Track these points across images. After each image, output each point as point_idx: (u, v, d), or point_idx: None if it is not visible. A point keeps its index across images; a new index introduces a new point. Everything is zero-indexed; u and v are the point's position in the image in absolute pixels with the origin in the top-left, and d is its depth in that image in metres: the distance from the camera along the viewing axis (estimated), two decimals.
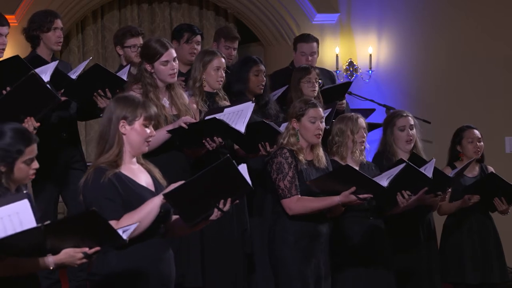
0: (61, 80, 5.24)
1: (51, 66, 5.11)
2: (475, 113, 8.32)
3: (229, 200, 3.81)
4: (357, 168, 5.22)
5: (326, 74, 7.03)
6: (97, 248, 3.40)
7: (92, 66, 5.36)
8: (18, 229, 3.15)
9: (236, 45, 6.81)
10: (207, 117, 5.09)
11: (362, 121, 5.33)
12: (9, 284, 3.41)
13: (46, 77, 4.99)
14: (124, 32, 6.12)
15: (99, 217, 3.33)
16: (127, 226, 3.54)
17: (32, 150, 3.51)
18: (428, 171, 5.12)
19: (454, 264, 5.94)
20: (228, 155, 3.81)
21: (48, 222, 3.24)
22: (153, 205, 3.73)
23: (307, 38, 6.94)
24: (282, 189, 4.90)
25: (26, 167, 3.49)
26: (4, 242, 3.13)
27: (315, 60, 6.88)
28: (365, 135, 5.33)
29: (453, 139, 6.11)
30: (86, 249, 3.37)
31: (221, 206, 3.81)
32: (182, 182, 3.74)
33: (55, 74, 5.18)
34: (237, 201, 3.91)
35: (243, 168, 3.83)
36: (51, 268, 3.39)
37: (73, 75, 5.29)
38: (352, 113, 5.43)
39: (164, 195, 3.71)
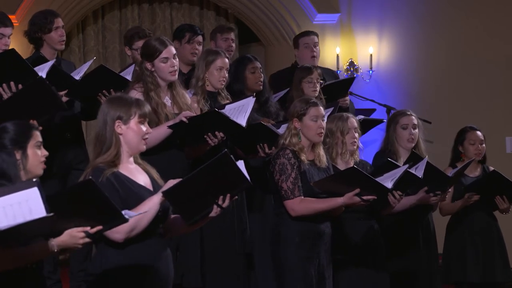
0: (64, 81, 5.24)
1: (48, 64, 5.10)
2: (475, 113, 8.33)
3: (228, 196, 3.81)
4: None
5: (330, 74, 7.06)
6: (99, 227, 3.42)
7: (98, 67, 5.35)
8: (28, 217, 3.16)
9: (233, 36, 6.82)
10: (207, 111, 5.10)
11: (353, 121, 5.27)
12: (17, 284, 3.43)
13: (42, 74, 4.99)
14: (132, 34, 6.12)
15: (96, 187, 3.35)
16: (132, 211, 3.56)
17: (37, 134, 3.60)
18: (419, 170, 5.11)
19: (456, 264, 5.94)
20: (226, 150, 3.79)
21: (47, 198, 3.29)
22: (152, 204, 3.73)
23: (307, 32, 7.07)
24: (285, 190, 4.89)
25: (37, 151, 3.57)
26: (15, 230, 3.13)
27: (319, 52, 6.91)
28: (356, 135, 5.26)
29: (456, 139, 6.11)
30: (88, 228, 3.39)
31: (220, 202, 3.81)
32: (181, 179, 3.73)
33: (59, 74, 5.18)
34: (236, 197, 3.90)
35: (240, 164, 3.82)
36: (55, 251, 3.40)
37: (77, 76, 5.28)
38: (343, 113, 5.38)
39: (163, 192, 3.71)
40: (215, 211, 3.83)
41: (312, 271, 4.90)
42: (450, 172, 5.57)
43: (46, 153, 3.62)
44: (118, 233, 3.68)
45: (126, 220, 3.46)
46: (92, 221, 3.41)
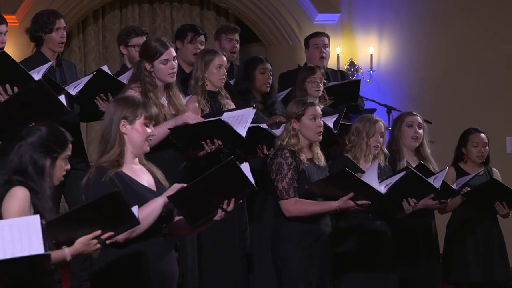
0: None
1: (45, 66, 5.08)
2: (476, 113, 8.32)
3: (232, 200, 3.82)
4: (365, 171, 5.23)
5: (340, 75, 7.07)
6: (111, 233, 3.45)
7: (96, 71, 5.29)
8: (25, 241, 3.08)
9: (238, 37, 6.83)
10: (212, 118, 5.09)
11: (380, 125, 5.29)
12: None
13: (37, 76, 4.97)
14: (128, 31, 6.11)
15: (121, 198, 3.38)
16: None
17: (70, 148, 3.62)
18: (437, 180, 5.11)
19: (457, 264, 5.94)
20: (232, 156, 3.81)
21: (65, 212, 3.31)
22: (155, 206, 3.74)
23: (318, 33, 7.08)
24: (280, 190, 4.90)
25: (63, 165, 3.60)
26: (6, 264, 3.08)
27: (328, 54, 6.92)
28: (380, 139, 5.28)
29: (459, 140, 6.11)
30: (98, 232, 3.41)
31: (224, 206, 3.82)
32: (185, 184, 3.75)
33: (56, 88, 5.13)
34: (241, 201, 3.92)
35: (246, 167, 3.84)
36: (68, 260, 3.42)
37: (73, 91, 5.19)
38: (373, 115, 5.42)
39: (169, 197, 3.72)
40: (219, 214, 3.84)
41: (312, 271, 4.91)
42: (456, 184, 5.59)
43: (69, 167, 3.64)
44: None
45: (138, 223, 3.50)
46: (105, 227, 3.43)
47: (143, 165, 3.98)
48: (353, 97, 6.44)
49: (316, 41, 6.92)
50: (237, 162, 3.77)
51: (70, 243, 3.40)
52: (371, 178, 4.81)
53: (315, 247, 4.93)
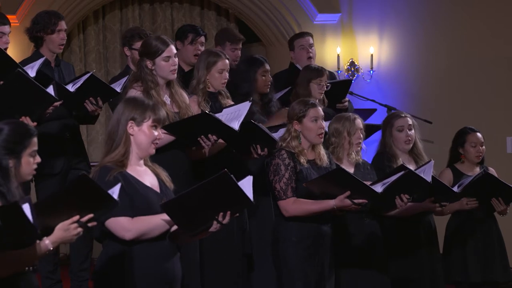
0: (60, 92, 5.18)
1: (38, 62, 5.08)
2: (476, 113, 8.31)
3: (228, 213, 3.79)
4: (352, 169, 5.23)
5: (329, 75, 7.05)
6: (90, 215, 3.40)
7: (88, 77, 5.26)
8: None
9: (241, 45, 6.82)
10: (198, 114, 5.09)
11: (359, 122, 5.31)
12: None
13: (32, 73, 4.97)
14: (133, 34, 6.09)
15: (90, 180, 3.35)
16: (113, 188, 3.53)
17: (35, 142, 3.54)
18: (427, 173, 5.10)
19: (457, 264, 5.93)
20: (226, 169, 3.72)
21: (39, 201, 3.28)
22: (157, 225, 3.78)
23: (301, 34, 7.07)
24: (278, 190, 4.91)
25: (31, 160, 3.52)
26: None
27: (315, 53, 6.91)
28: (361, 136, 5.30)
29: (455, 141, 6.09)
30: (77, 217, 3.37)
31: (220, 219, 3.79)
32: (179, 194, 3.74)
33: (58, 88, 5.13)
34: (237, 214, 3.88)
35: (247, 182, 3.80)
36: (51, 248, 3.37)
37: (72, 87, 5.18)
38: (350, 114, 5.41)
39: (161, 205, 3.73)
40: (214, 226, 3.82)
41: (311, 271, 4.91)
42: (457, 186, 5.57)
43: (39, 160, 3.56)
44: (129, 231, 3.74)
45: (117, 203, 3.45)
46: (83, 211, 3.40)
47: (148, 166, 4.00)
48: (340, 97, 6.42)
49: (301, 42, 6.90)
50: (232, 176, 3.70)
51: (49, 233, 3.36)
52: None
53: (315, 247, 4.93)
